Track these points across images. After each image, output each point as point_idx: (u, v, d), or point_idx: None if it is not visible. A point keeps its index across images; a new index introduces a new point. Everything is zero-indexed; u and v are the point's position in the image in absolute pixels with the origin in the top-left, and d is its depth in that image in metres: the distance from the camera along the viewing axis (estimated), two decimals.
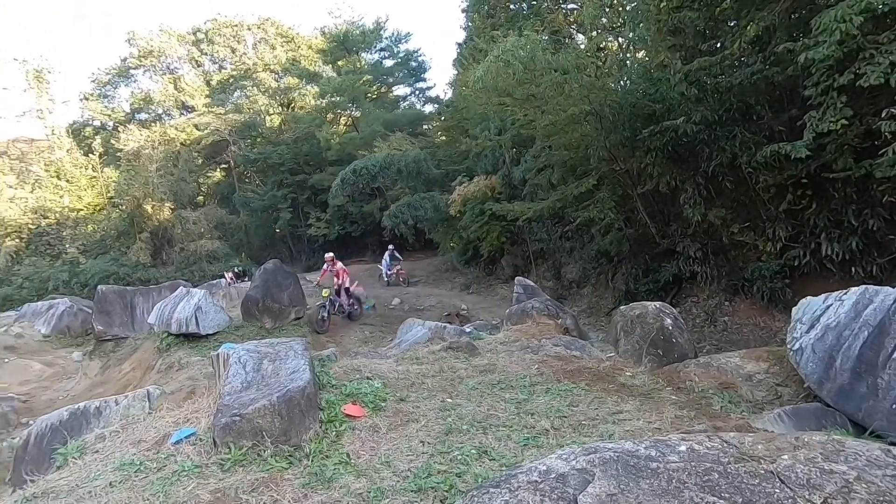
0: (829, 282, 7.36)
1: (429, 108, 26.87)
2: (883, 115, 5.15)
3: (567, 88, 8.73)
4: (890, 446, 1.41)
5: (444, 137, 20.61)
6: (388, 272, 15.50)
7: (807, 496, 1.22)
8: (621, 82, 9.94)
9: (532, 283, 7.34)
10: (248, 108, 28.07)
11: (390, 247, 15.80)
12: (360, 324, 9.40)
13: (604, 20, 12.11)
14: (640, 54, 10.69)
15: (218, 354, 3.60)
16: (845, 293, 3.21)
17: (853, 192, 7.16)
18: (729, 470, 1.34)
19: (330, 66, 28.36)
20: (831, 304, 3.26)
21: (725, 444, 1.46)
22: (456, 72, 18.52)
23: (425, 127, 24.35)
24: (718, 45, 8.27)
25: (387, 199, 18.88)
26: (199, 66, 31.51)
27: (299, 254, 25.35)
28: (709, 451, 1.43)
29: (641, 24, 8.71)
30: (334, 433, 2.84)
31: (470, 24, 17.26)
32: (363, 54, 27.34)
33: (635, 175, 9.58)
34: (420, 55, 27.12)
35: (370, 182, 16.74)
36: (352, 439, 2.82)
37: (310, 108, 28.25)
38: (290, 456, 2.57)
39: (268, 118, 29.22)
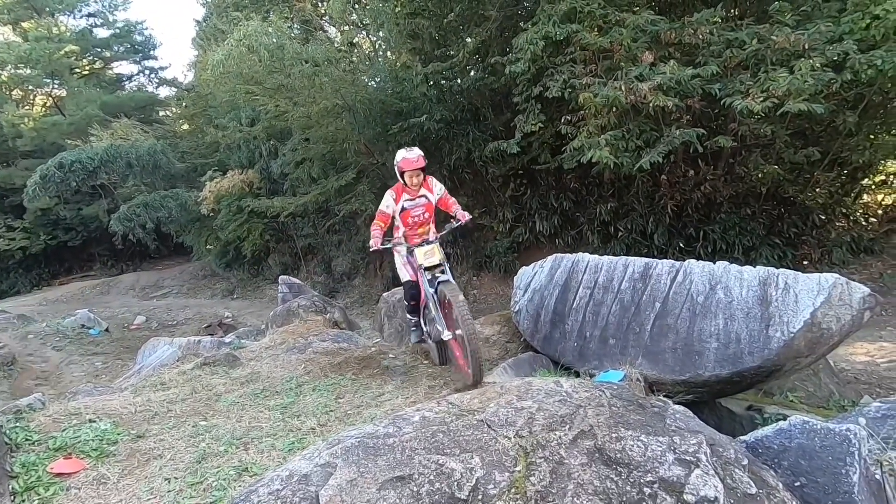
0: (542, 252, 9.29)
1: (165, 92, 23.16)
2: (563, 120, 6.65)
3: (318, 81, 8.66)
4: (560, 378, 1.84)
5: (186, 126, 18.09)
6: None
7: (504, 433, 1.50)
8: (373, 79, 10.37)
9: (297, 281, 7.13)
10: None
11: None
12: (86, 354, 7.62)
13: (353, 16, 12.38)
14: (388, 54, 11.33)
15: None
16: (545, 261, 4.07)
17: (553, 181, 9.14)
18: (451, 428, 1.55)
19: (10, 27, 21.70)
20: (537, 271, 4.08)
21: (450, 406, 1.69)
22: (196, 52, 16.40)
23: (162, 114, 20.94)
24: (451, 52, 9.38)
25: (115, 199, 15.62)
26: None
27: None
28: (437, 416, 1.62)
29: (384, 26, 9.23)
30: (37, 502, 2.24)
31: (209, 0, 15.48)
32: (61, 17, 21.79)
33: (389, 169, 10.17)
34: (146, 28, 23.10)
35: (88, 179, 13.57)
36: (65, 503, 2.27)
37: None
38: None
39: None
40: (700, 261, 2.98)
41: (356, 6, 11.86)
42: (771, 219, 7.79)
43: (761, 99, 5.24)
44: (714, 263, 2.82)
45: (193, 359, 4.71)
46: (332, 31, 14.60)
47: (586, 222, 8.81)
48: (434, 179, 3.66)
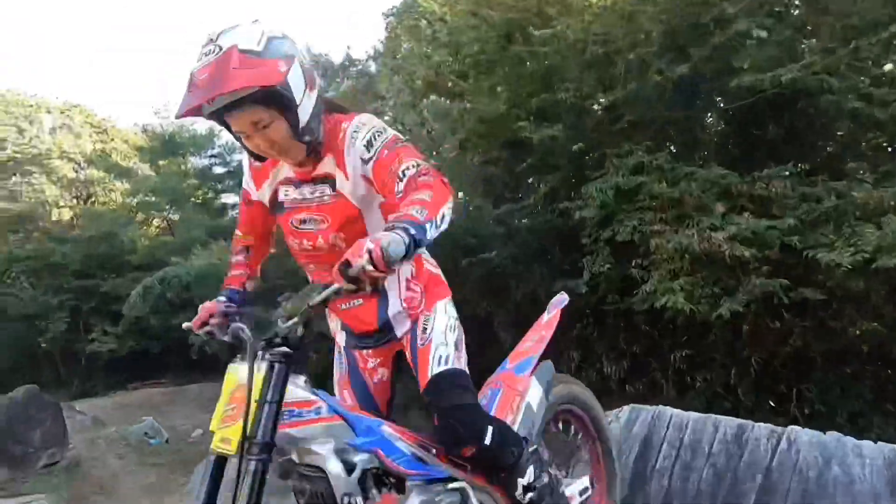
0: (612, 398, 8.66)
1: None
2: (633, 264, 6.69)
3: None
4: None
5: (273, 250, 19.88)
6: None
7: None
8: None
9: None
10: (29, 198, 23.62)
11: None
12: (144, 465, 7.64)
13: (432, 162, 13.85)
14: (460, 195, 12.33)
15: None
16: (620, 411, 3.79)
17: (622, 322, 8.86)
18: None
19: (148, 164, 26.16)
20: (611, 421, 3.79)
21: None
22: None
23: None
24: (520, 196, 10.04)
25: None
26: None
27: (71, 376, 20.33)
28: None
29: (460, 173, 10.21)
30: None
31: None
32: (191, 158, 26.03)
33: (459, 302, 10.39)
34: None
35: (181, 293, 14.90)
36: None
37: (116, 204, 25.02)
38: None
39: (55, 211, 24.86)
40: (805, 428, 2.67)
41: (435, 154, 13.35)
42: (879, 381, 6.92)
43: (849, 253, 5.04)
44: (824, 434, 2.52)
45: None
46: None
47: (659, 369, 8.26)
48: (360, 123, 1.41)
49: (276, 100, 1.21)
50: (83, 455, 7.56)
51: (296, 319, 1.19)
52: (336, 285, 1.12)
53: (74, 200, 26.08)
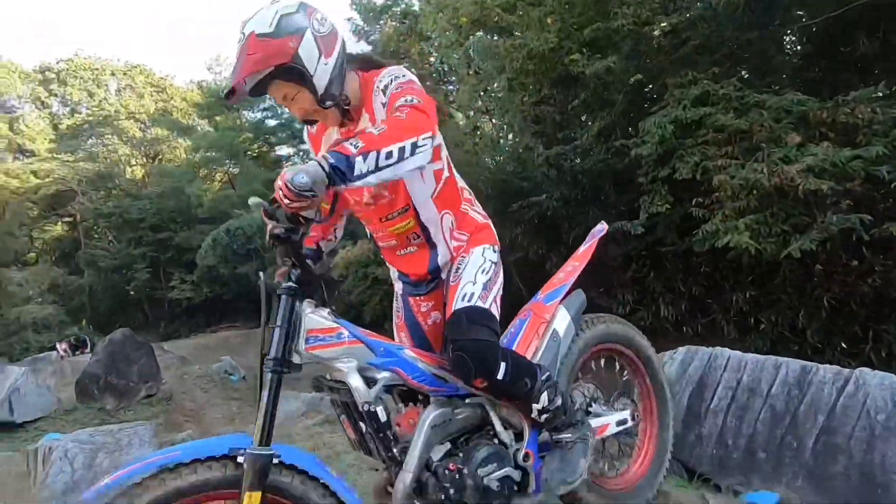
0: (668, 339, 8.50)
1: None
2: (693, 203, 6.34)
3: None
4: (705, 493, 1.65)
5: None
6: None
7: None
8: (495, 160, 10.96)
9: None
10: (105, 157, 25.34)
11: None
12: (226, 398, 8.49)
13: (479, 103, 13.44)
14: (510, 136, 11.97)
15: (37, 449, 3.01)
16: (675, 352, 3.74)
17: (680, 263, 8.53)
18: None
19: (206, 120, 27.12)
20: (666, 362, 3.76)
21: None
22: None
23: None
24: (573, 134, 9.61)
25: (265, 262, 17.91)
26: (45, 107, 28.06)
27: (157, 320, 22.56)
28: None
29: (509, 112, 9.84)
30: None
31: None
32: (245, 112, 26.68)
33: (507, 244, 10.38)
34: None
35: (246, 243, 15.84)
36: None
37: (180, 161, 26.38)
38: None
39: (128, 169, 26.60)
40: (875, 370, 2.53)
41: (482, 94, 12.90)
42: None
43: None
44: None
45: (316, 415, 5.02)
46: (458, 115, 15.94)
47: (720, 311, 7.96)
48: (385, 73, 1.46)
49: (293, 73, 1.32)
50: (174, 389, 8.51)
51: (280, 259, 1.39)
52: (270, 224, 1.28)
53: (144, 159, 27.77)
